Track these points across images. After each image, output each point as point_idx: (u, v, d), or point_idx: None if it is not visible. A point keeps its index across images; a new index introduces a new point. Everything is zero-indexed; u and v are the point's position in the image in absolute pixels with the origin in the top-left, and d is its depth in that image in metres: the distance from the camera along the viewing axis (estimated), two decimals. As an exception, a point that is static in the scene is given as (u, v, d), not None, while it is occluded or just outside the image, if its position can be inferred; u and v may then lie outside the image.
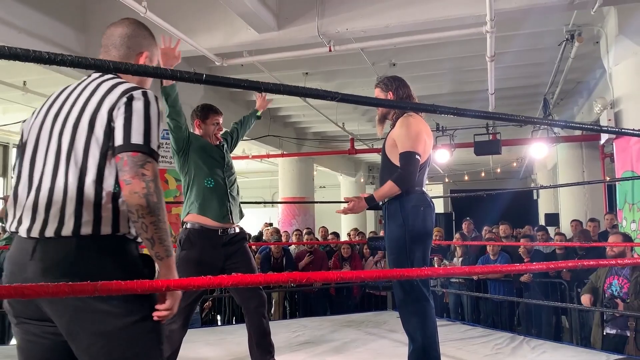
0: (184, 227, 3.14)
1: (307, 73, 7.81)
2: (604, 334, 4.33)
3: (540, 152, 9.42)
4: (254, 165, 14.83)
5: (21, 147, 1.56)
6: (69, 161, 1.43)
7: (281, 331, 4.69)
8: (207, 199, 3.08)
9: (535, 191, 15.30)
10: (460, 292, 6.65)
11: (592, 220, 7.52)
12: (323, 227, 9.25)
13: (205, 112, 3.30)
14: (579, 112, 9.84)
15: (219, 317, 6.82)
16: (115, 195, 1.43)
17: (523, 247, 6.46)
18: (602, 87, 7.52)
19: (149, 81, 1.72)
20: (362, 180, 17.07)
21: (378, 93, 3.07)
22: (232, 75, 7.93)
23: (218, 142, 3.32)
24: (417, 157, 2.81)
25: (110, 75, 1.55)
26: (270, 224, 10.78)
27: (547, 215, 12.32)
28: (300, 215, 12.55)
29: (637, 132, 2.01)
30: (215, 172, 3.16)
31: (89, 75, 1.58)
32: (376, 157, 14.78)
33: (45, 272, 1.36)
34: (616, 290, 4.37)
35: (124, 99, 1.44)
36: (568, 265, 1.79)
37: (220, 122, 3.33)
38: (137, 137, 1.41)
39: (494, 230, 8.10)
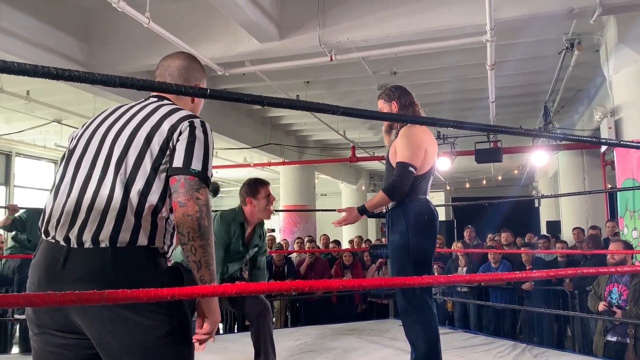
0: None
1: (308, 82, 7.85)
2: (605, 341, 4.34)
3: (541, 160, 9.43)
4: (255, 173, 14.86)
5: (67, 154, 1.58)
6: (118, 170, 1.45)
7: (283, 339, 4.69)
8: None
9: (536, 199, 15.30)
10: (462, 300, 6.64)
11: (593, 227, 7.53)
12: (324, 235, 9.26)
13: (254, 186, 3.26)
14: (580, 120, 9.87)
15: (220, 326, 6.82)
16: (156, 210, 1.45)
17: (525, 255, 6.47)
18: (602, 95, 7.55)
19: (200, 108, 1.79)
20: (363, 188, 17.08)
21: (381, 105, 3.09)
22: (233, 83, 7.99)
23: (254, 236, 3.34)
24: (411, 168, 2.83)
25: (167, 101, 1.62)
26: (272, 230, 10.78)
27: (548, 223, 12.32)
28: (301, 223, 12.56)
29: (636, 145, 2.03)
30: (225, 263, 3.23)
31: (147, 98, 1.65)
32: (377, 165, 14.82)
33: (77, 281, 1.36)
34: (615, 297, 4.38)
35: (186, 124, 1.50)
36: (568, 273, 1.80)
37: (271, 192, 3.31)
38: (196, 163, 1.46)
39: (495, 239, 8.10)
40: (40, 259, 1.46)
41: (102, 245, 1.39)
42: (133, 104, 1.63)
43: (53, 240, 1.44)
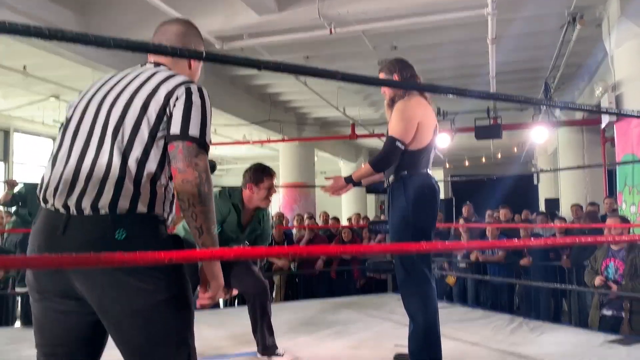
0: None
1: (307, 57, 7.77)
2: (601, 315, 4.38)
3: (541, 136, 9.40)
4: (255, 151, 14.83)
5: (65, 123, 1.58)
6: (116, 137, 1.45)
7: (282, 313, 4.73)
8: None
9: (535, 176, 15.29)
10: (461, 275, 6.69)
11: (592, 204, 7.54)
12: (324, 212, 9.28)
13: (259, 174, 3.15)
14: (580, 95, 9.80)
15: (220, 300, 6.87)
16: (155, 178, 1.45)
17: (524, 230, 6.49)
18: (603, 70, 7.49)
19: (198, 76, 1.78)
20: (362, 165, 17.05)
21: (383, 77, 3.05)
22: (236, 66, 7.87)
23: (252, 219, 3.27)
24: (398, 143, 2.80)
25: (164, 67, 1.61)
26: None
27: (547, 201, 12.33)
28: (301, 200, 12.57)
29: (638, 114, 2.01)
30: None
31: (142, 65, 1.64)
32: (377, 143, 14.76)
33: (78, 248, 1.36)
34: (612, 272, 4.41)
35: (183, 89, 1.48)
36: (566, 242, 1.80)
37: (274, 186, 3.22)
38: (194, 130, 1.45)
39: (494, 215, 8.13)
40: (40, 227, 1.46)
41: (102, 212, 1.39)
42: (129, 70, 1.61)
43: (52, 208, 1.44)
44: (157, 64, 1.63)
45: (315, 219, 9.18)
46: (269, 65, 1.23)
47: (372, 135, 12.00)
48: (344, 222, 10.33)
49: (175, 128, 1.45)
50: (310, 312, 4.86)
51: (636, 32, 5.38)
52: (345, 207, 16.40)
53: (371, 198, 17.85)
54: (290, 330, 4.13)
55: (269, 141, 12.31)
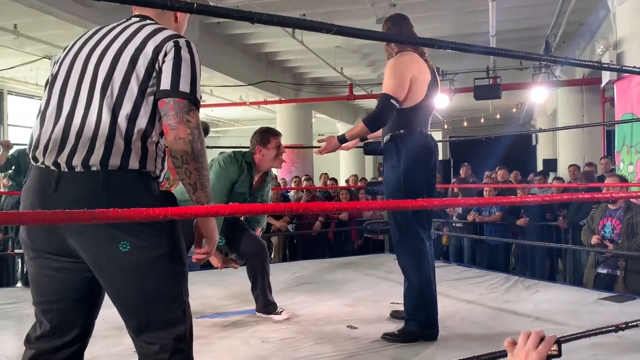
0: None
1: (304, 15, 7.62)
2: (596, 273, 4.43)
3: (540, 96, 9.33)
4: (252, 112, 14.72)
5: (51, 79, 1.54)
6: (104, 94, 1.42)
7: (281, 273, 4.79)
8: None
9: (534, 137, 15.25)
10: (456, 235, 6.74)
11: (589, 164, 7.56)
12: (325, 173, 9.28)
13: (265, 135, 3.22)
14: (582, 54, 9.68)
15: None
16: (146, 134, 1.44)
17: (521, 191, 6.51)
18: (605, 28, 7.37)
19: (184, 29, 1.74)
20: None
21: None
22: (229, 20, 7.72)
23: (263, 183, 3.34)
24: (393, 100, 2.74)
25: (150, 21, 1.56)
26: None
27: (545, 161, 12.34)
28: (298, 162, 12.56)
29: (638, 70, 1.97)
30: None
31: (128, 19, 1.59)
32: (375, 104, 14.66)
33: (70, 204, 1.33)
34: (609, 232, 4.44)
35: (171, 44, 1.45)
36: (563, 198, 1.81)
37: (282, 144, 3.27)
38: (184, 85, 1.43)
39: (492, 176, 8.14)
40: (31, 184, 1.45)
41: (94, 169, 1.38)
42: (114, 24, 1.57)
43: (43, 166, 1.42)
44: (142, 17, 1.58)
45: (312, 181, 9.19)
46: (262, 18, 1.19)
47: (370, 96, 11.87)
48: (342, 184, 10.35)
49: (166, 84, 1.43)
50: (307, 271, 4.92)
51: (640, -12, 5.27)
52: (344, 169, 16.42)
53: (369, 159, 17.84)
54: (287, 289, 4.18)
55: (265, 102, 12.20)
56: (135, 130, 1.42)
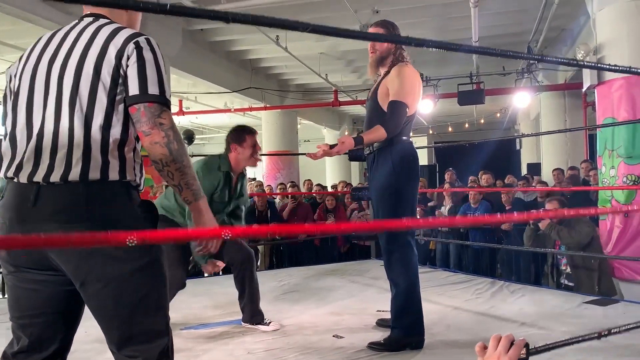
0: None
1: (288, 22, 7.61)
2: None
3: (523, 101, 9.42)
4: (237, 119, 14.64)
5: (13, 93, 1.50)
6: (74, 106, 1.39)
7: (267, 280, 4.75)
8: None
9: (518, 141, 15.39)
10: (441, 241, 6.76)
11: (571, 168, 7.63)
12: (308, 180, 9.25)
13: (240, 134, 3.10)
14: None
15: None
16: (122, 143, 1.42)
17: (505, 195, 6.55)
18: (585, 34, 7.46)
19: (139, 23, 1.68)
20: (346, 133, 17.00)
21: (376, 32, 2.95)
22: (212, 24, 7.71)
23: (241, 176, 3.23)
24: (406, 108, 2.80)
25: (104, 20, 1.51)
26: (253, 179, 10.75)
27: (529, 165, 12.44)
28: (284, 168, 12.52)
29: (615, 68, 1.98)
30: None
31: (80, 20, 1.53)
32: (360, 110, 14.69)
33: (50, 218, 1.34)
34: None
35: (132, 45, 1.42)
36: (549, 215, 1.80)
37: (257, 142, 3.16)
38: (152, 88, 1.41)
39: (477, 181, 8.18)
40: (9, 199, 1.42)
41: (74, 183, 1.36)
42: (69, 28, 1.51)
43: (19, 182, 1.39)
44: (95, 16, 1.52)
45: (298, 187, 9.16)
46: (237, 17, 1.17)
47: (355, 102, 11.90)
48: (329, 190, 10.32)
49: (134, 89, 1.40)
50: (294, 279, 4.88)
51: (618, -6, 5.34)
52: (330, 175, 16.41)
53: (355, 165, 17.86)
54: (274, 298, 4.15)
55: (250, 109, 12.16)
56: (111, 140, 1.40)
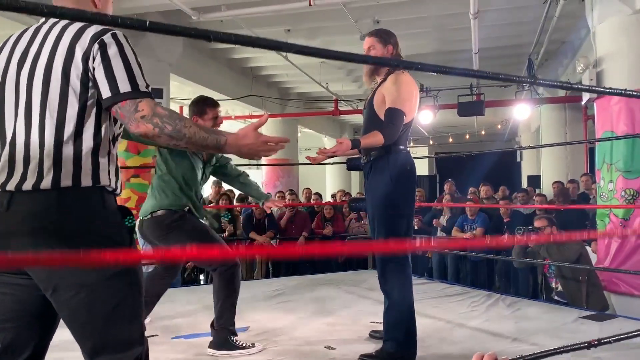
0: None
1: (289, 30, 7.63)
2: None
3: (523, 113, 9.41)
4: (237, 127, 14.66)
5: None
6: (44, 113, 1.37)
7: (261, 290, 4.72)
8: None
9: (518, 153, 15.38)
10: (439, 250, 6.71)
11: (571, 181, 7.61)
12: (307, 188, 9.23)
13: (201, 106, 3.00)
14: (564, 72, 9.79)
15: (201, 277, 6.85)
16: (95, 149, 1.39)
17: (504, 208, 6.52)
18: (586, 47, 7.45)
19: (109, 7, 1.61)
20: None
21: (373, 43, 2.91)
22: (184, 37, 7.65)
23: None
24: (404, 116, 2.77)
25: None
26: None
27: (529, 177, 12.43)
28: (284, 177, 12.51)
29: (615, 91, 1.96)
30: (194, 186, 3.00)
31: (46, 19, 1.49)
32: (361, 119, 14.69)
33: (23, 224, 1.31)
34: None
35: (97, 46, 1.37)
36: (540, 240, 1.77)
37: (219, 115, 3.07)
38: (123, 85, 1.36)
39: (476, 192, 8.16)
40: None
41: (46, 190, 1.34)
42: (36, 26, 1.48)
43: None
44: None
45: (297, 196, 9.13)
46: (219, 36, 1.15)
47: (356, 111, 11.90)
48: (328, 199, 10.30)
49: (105, 92, 1.37)
50: (289, 289, 4.84)
51: (618, 7, 5.33)
52: (330, 184, 16.39)
53: (355, 175, 17.83)
54: (269, 307, 4.11)
55: (251, 117, 12.16)
56: (83, 146, 1.38)
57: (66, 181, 1.35)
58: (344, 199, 8.52)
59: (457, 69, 1.61)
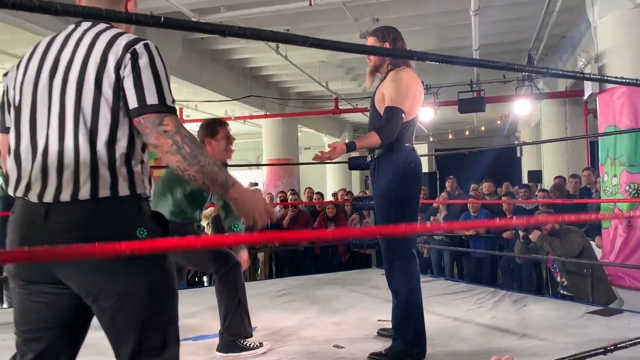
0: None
1: (288, 30, 7.61)
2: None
3: (523, 108, 9.40)
4: (237, 127, 14.65)
5: (14, 107, 1.45)
6: (78, 122, 1.36)
7: (266, 290, 4.72)
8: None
9: (519, 149, 15.38)
10: (442, 248, 6.71)
11: (573, 176, 7.59)
12: (309, 188, 9.22)
13: (212, 127, 2.97)
14: (564, 67, 9.79)
15: (205, 279, 6.84)
16: (129, 157, 1.39)
17: (506, 203, 6.52)
18: (586, 41, 7.45)
19: (133, 26, 1.60)
20: (347, 140, 16.93)
21: (372, 43, 2.93)
22: (213, 35, 7.67)
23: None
24: (402, 114, 2.74)
25: (103, 25, 1.46)
26: (255, 184, 10.71)
27: (530, 173, 12.42)
28: (285, 176, 12.50)
29: (620, 80, 1.97)
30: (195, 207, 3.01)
31: (78, 24, 1.48)
32: (361, 117, 14.69)
33: (63, 234, 1.32)
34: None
35: (129, 56, 1.37)
36: (548, 220, 1.77)
37: (230, 134, 3.04)
38: (150, 98, 1.36)
39: (478, 189, 8.15)
40: (19, 215, 1.40)
41: (85, 200, 1.35)
42: (67, 34, 1.46)
43: (32, 200, 1.38)
44: (93, 19, 1.46)
45: (298, 195, 9.12)
46: (234, 31, 1.15)
47: (355, 110, 11.90)
48: (329, 198, 10.29)
49: (132, 102, 1.37)
50: (293, 289, 4.84)
51: (619, 2, 5.33)
52: (330, 183, 16.38)
53: (356, 174, 17.82)
54: (273, 307, 4.11)
55: (251, 117, 12.16)
56: (117, 155, 1.37)
57: (104, 191, 1.35)
58: (345, 197, 8.52)
59: (460, 58, 1.61)
